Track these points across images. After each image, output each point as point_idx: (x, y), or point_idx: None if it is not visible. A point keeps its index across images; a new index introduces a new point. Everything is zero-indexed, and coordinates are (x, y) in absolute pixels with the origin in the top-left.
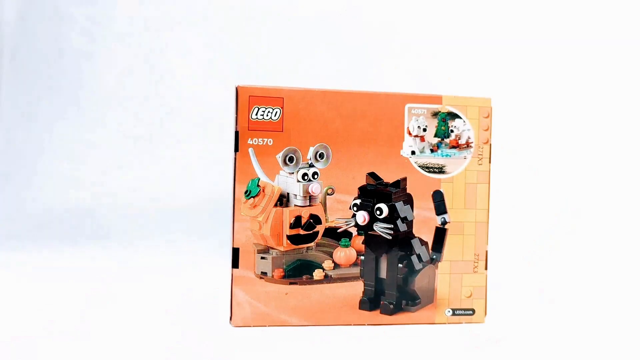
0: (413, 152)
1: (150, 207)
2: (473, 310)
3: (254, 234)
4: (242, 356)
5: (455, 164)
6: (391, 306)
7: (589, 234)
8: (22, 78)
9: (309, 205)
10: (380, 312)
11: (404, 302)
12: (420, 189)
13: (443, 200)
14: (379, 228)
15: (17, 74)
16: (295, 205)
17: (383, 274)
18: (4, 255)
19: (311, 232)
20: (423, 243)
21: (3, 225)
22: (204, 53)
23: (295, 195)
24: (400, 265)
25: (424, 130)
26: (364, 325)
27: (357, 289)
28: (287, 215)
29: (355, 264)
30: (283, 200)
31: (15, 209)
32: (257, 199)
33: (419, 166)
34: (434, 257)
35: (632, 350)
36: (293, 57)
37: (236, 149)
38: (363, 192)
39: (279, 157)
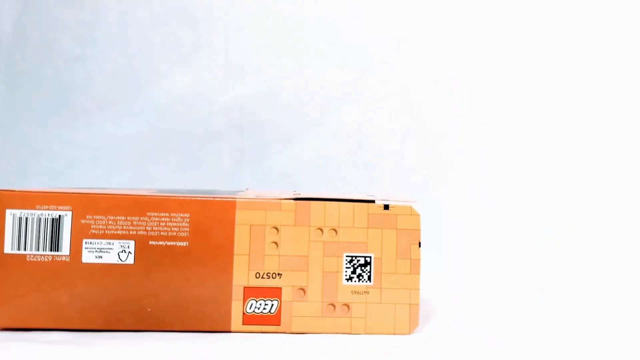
0: None
1: None
2: None
3: None
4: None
5: None
6: None
7: (589, 234)
8: (16, 81)
9: None
10: None
11: None
12: None
13: None
14: None
15: (13, 77)
16: None
17: None
18: None
19: None
20: None
21: None
22: (196, 55)
23: None
24: None
25: None
26: None
27: None
28: None
29: None
30: None
31: None
32: None
33: None
34: None
35: (632, 350)
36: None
37: None
38: None
39: None
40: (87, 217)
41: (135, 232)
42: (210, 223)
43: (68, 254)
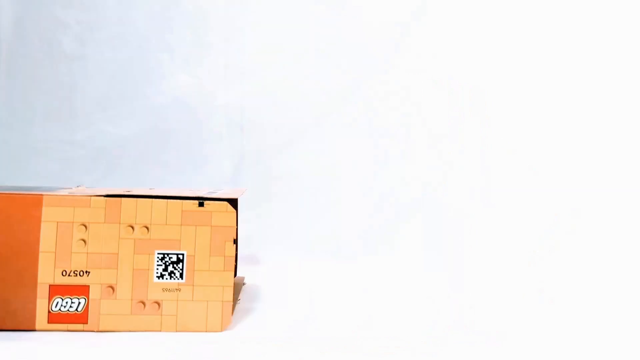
0: None
1: None
2: None
3: None
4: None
5: None
6: None
7: (589, 234)
8: (16, 81)
9: None
10: None
11: None
12: None
13: None
14: None
15: (13, 77)
16: None
17: None
18: None
19: None
20: None
21: None
22: (196, 55)
23: None
24: None
25: None
26: None
27: None
28: None
29: None
30: None
31: None
32: None
33: None
34: None
35: (632, 351)
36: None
37: None
38: None
39: None
40: None
41: None
42: (15, 219)
43: None
